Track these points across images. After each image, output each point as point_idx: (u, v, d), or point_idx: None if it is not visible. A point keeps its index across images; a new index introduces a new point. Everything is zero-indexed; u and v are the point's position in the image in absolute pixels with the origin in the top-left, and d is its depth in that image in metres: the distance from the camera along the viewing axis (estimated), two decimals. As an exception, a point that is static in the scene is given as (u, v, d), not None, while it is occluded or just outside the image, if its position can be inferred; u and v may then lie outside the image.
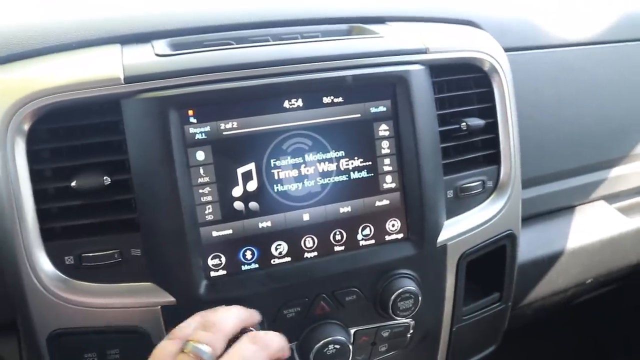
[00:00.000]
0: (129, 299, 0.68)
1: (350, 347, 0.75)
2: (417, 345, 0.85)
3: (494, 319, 0.94)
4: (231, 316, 0.63)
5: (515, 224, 0.89)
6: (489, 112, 0.84)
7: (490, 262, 0.89)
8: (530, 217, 1.08)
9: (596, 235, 1.15)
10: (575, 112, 1.07)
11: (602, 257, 1.17)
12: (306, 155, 0.71)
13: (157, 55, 0.68)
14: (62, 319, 0.68)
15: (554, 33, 1.04)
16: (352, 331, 0.78)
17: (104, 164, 0.66)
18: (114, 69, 0.65)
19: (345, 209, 0.73)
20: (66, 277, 0.67)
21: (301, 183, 0.71)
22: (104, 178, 0.65)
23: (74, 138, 0.66)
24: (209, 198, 0.68)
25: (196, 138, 0.66)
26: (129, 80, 0.64)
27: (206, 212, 0.68)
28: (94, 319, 0.68)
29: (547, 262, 1.09)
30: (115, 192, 0.67)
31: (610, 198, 1.21)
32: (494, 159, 0.85)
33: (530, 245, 1.04)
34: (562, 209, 1.15)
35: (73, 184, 0.65)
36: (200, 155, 0.67)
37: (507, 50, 0.86)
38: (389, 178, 0.75)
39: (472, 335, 0.91)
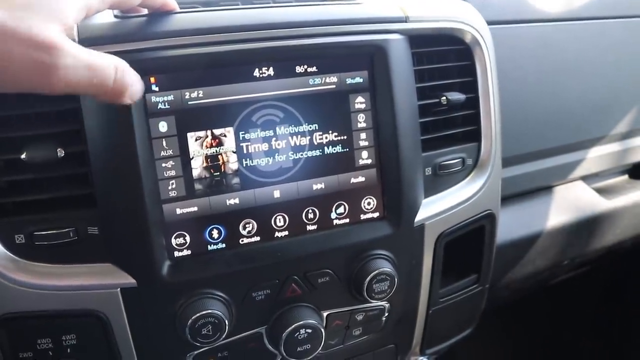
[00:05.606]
0: (85, 281, 0.64)
1: (323, 331, 0.72)
2: (393, 328, 0.82)
3: (472, 301, 0.92)
4: None
5: (495, 204, 0.86)
6: (470, 87, 0.81)
7: (468, 242, 0.86)
8: (508, 197, 1.05)
9: (574, 216, 1.14)
10: (556, 90, 1.05)
11: (580, 238, 1.17)
12: (277, 128, 0.67)
13: (116, 16, 0.63)
14: (13, 302, 0.63)
15: (537, 7, 1.01)
16: (325, 314, 0.75)
17: (58, 135, 0.62)
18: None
19: (318, 185, 0.69)
20: (16, 258, 0.62)
21: (272, 158, 0.67)
22: (58, 150, 0.61)
23: (24, 106, 0.61)
24: (172, 172, 0.63)
25: (159, 108, 0.62)
26: (84, 43, 0.59)
27: (169, 187, 0.63)
28: (48, 302, 0.63)
29: (525, 243, 1.07)
30: (70, 165, 0.62)
31: (589, 178, 1.20)
32: (474, 135, 0.82)
33: (508, 225, 1.01)
34: (540, 189, 1.13)
35: (23, 156, 0.60)
36: (163, 127, 0.62)
37: (489, 23, 0.83)
38: (364, 154, 0.71)
39: (449, 317, 0.89)
